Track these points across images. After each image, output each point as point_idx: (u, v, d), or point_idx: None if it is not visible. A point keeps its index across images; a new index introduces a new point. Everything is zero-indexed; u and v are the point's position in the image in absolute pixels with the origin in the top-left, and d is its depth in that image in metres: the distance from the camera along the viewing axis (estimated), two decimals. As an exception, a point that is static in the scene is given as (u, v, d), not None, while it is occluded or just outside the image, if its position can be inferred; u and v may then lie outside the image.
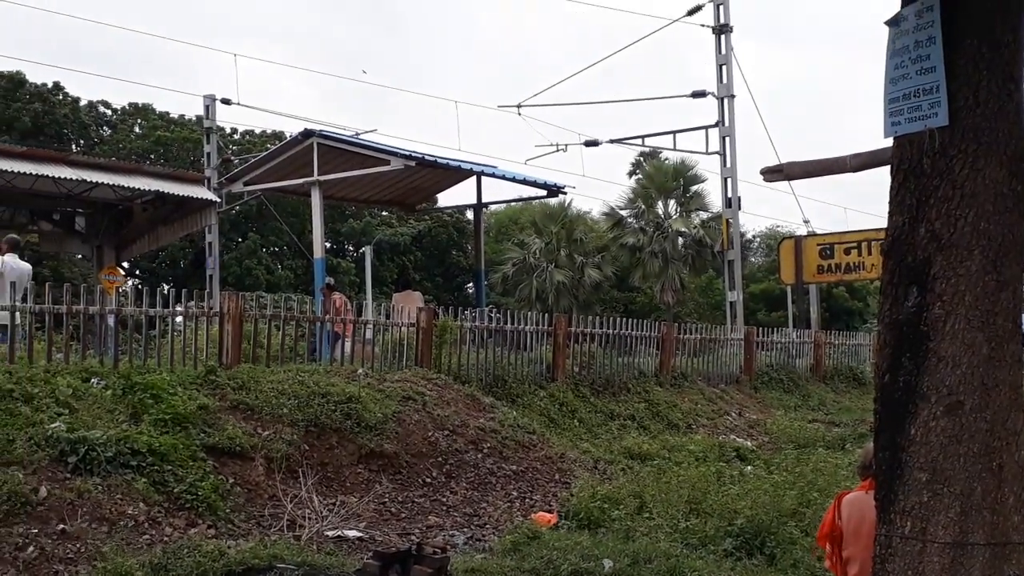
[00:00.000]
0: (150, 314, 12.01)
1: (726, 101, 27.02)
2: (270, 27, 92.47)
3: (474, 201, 20.92)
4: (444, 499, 11.04)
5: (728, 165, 27.10)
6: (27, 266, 13.57)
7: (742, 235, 32.39)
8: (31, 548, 7.61)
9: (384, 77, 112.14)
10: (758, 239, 61.24)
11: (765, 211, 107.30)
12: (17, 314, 10.99)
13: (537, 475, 12.18)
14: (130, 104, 51.62)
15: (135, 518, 8.43)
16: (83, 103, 49.64)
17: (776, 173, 5.74)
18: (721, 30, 26.98)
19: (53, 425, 8.98)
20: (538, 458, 12.57)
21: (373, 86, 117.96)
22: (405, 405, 12.31)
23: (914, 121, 4.14)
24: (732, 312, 26.77)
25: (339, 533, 9.26)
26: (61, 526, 7.93)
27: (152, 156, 48.27)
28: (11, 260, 13.29)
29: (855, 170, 5.23)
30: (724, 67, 27.08)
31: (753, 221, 74.73)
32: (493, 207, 43.63)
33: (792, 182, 23.24)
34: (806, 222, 32.32)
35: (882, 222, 4.42)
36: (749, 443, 15.85)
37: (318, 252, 17.70)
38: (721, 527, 9.55)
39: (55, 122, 47.07)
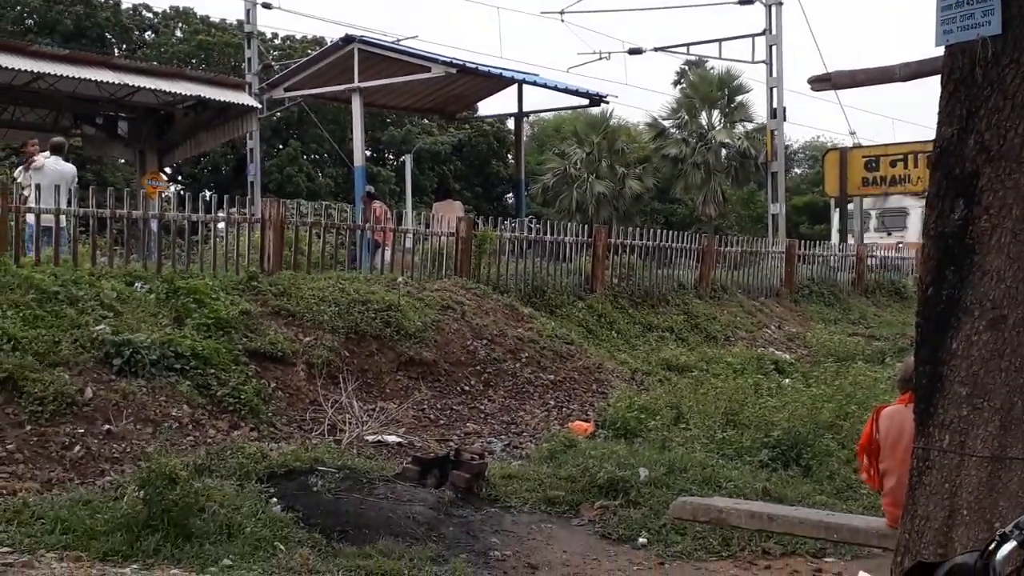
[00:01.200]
0: (192, 219, 12.10)
1: (774, 8, 26.46)
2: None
3: (515, 110, 20.71)
4: (482, 407, 11.16)
5: (774, 75, 26.62)
6: (71, 168, 13.75)
7: (786, 147, 31.95)
8: (77, 447, 7.79)
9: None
10: (802, 151, 60.40)
11: (810, 122, 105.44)
12: (62, 217, 11.10)
13: (574, 385, 12.26)
14: (171, 8, 51.35)
15: (179, 420, 8.60)
16: (125, 6, 49.44)
17: (824, 82, 5.63)
18: (770, -66, 26.31)
19: (98, 327, 9.12)
20: (576, 368, 12.63)
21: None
22: (444, 314, 12.37)
23: (966, 29, 4.02)
24: (774, 225, 26.54)
25: (378, 438, 9.41)
26: (107, 426, 8.11)
27: (193, 61, 48.12)
28: (53, 162, 13.43)
29: (904, 80, 5.12)
30: (772, -28, 26.46)
31: (798, 132, 73.61)
32: (534, 116, 43.27)
33: (839, 92, 22.83)
34: (852, 133, 31.68)
35: (929, 134, 4.33)
36: (788, 356, 15.82)
37: (358, 160, 17.67)
38: (757, 439, 9.59)
39: (97, 25, 46.95)
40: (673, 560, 7.20)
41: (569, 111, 33.61)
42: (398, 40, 24.84)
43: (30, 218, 11.33)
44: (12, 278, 9.42)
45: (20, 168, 13.73)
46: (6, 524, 6.42)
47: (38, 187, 11.50)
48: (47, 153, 13.78)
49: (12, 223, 10.44)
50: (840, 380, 12.57)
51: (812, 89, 5.76)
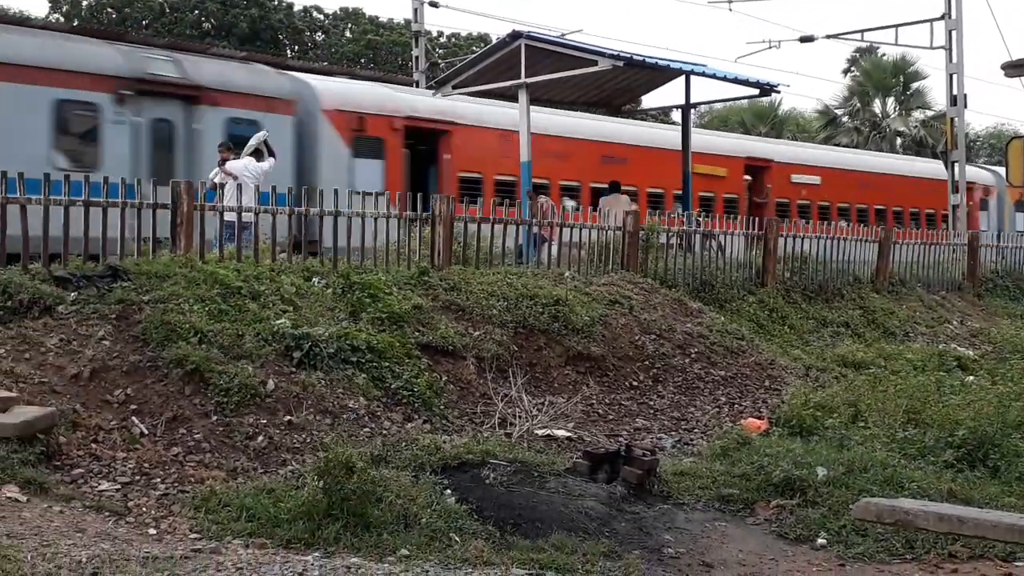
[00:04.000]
0: (366, 215, 12.37)
1: (954, -9, 25.35)
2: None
3: (681, 101, 20.39)
4: (651, 402, 11.05)
5: (954, 60, 25.50)
6: (260, 165, 14.71)
7: (966, 135, 30.59)
8: (260, 437, 8.06)
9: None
10: (982, 139, 57.82)
11: (991, 110, 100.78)
12: (250, 214, 11.58)
13: (746, 381, 12.01)
14: (341, 9, 52.75)
15: (355, 411, 8.80)
16: (297, 8, 51.04)
17: (1019, 68, 5.33)
18: (950, -86, 25.23)
19: (279, 321, 9.41)
20: (747, 364, 12.38)
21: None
22: (611, 308, 12.31)
23: None
24: (955, 216, 25.45)
25: (548, 432, 9.41)
26: (288, 417, 8.36)
27: (363, 60, 49.36)
28: (243, 163, 14.52)
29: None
30: (952, -46, 25.37)
31: (978, 119, 70.41)
32: (702, 107, 42.68)
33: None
34: (1036, 119, 30.24)
35: None
36: (971, 352, 15.17)
37: (525, 156, 17.71)
38: (941, 438, 9.21)
39: (270, 27, 48.61)
40: (854, 562, 6.99)
41: (737, 101, 32.95)
42: (563, 35, 24.83)
43: (227, 215, 11.88)
44: (198, 274, 9.81)
45: (216, 170, 14.50)
46: (195, 511, 6.70)
47: (238, 187, 12.06)
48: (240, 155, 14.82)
49: (198, 221, 10.86)
50: (1029, 378, 11.98)
51: (1006, 75, 5.47)
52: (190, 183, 11.04)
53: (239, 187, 11.99)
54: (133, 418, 7.91)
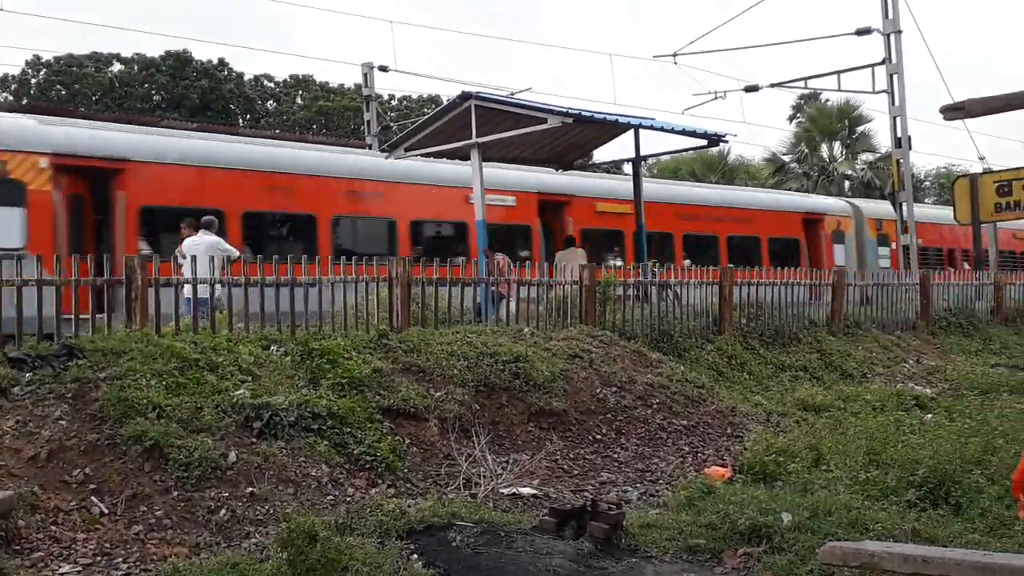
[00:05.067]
0: (324, 281, 12.36)
1: (892, 37, 25.98)
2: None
3: (632, 155, 20.66)
4: (615, 455, 11.06)
5: (897, 104, 26.08)
6: (213, 239, 14.75)
7: (913, 175, 31.16)
8: (223, 511, 7.98)
9: (534, 34, 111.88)
10: (930, 179, 58.85)
11: (936, 149, 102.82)
12: (205, 286, 11.60)
13: (708, 429, 12.07)
14: (292, 76, 53.08)
15: (318, 479, 8.74)
16: (247, 77, 51.25)
17: (957, 111, 5.48)
18: (884, -38, 25.93)
19: (238, 392, 9.36)
20: (708, 412, 12.44)
21: (523, 44, 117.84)
22: (572, 363, 12.35)
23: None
24: (906, 256, 25.84)
25: (514, 490, 9.39)
26: (250, 489, 8.28)
27: (315, 126, 49.57)
28: (197, 237, 14.74)
29: (1041, 102, 4.95)
30: (889, 1, 26.02)
31: (924, 160, 71.76)
32: (652, 159, 43.20)
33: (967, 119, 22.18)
34: (981, 159, 30.88)
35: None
36: (928, 391, 15.34)
37: (479, 214, 17.82)
38: (903, 477, 9.29)
39: (221, 97, 48.77)
40: (823, 607, 6.98)
41: (686, 152, 33.43)
42: (513, 93, 25.12)
43: (185, 289, 11.77)
44: (155, 348, 9.75)
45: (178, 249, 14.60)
46: (159, 588, 6.60)
47: (193, 259, 12.09)
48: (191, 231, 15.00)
49: (152, 295, 10.80)
50: (985, 413, 12.14)
51: (944, 119, 5.61)
52: (145, 258, 11.00)
53: (204, 259, 12.07)
54: (93, 498, 7.81)
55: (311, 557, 6.46)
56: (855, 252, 30.92)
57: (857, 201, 33.99)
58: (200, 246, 14.10)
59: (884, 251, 31.57)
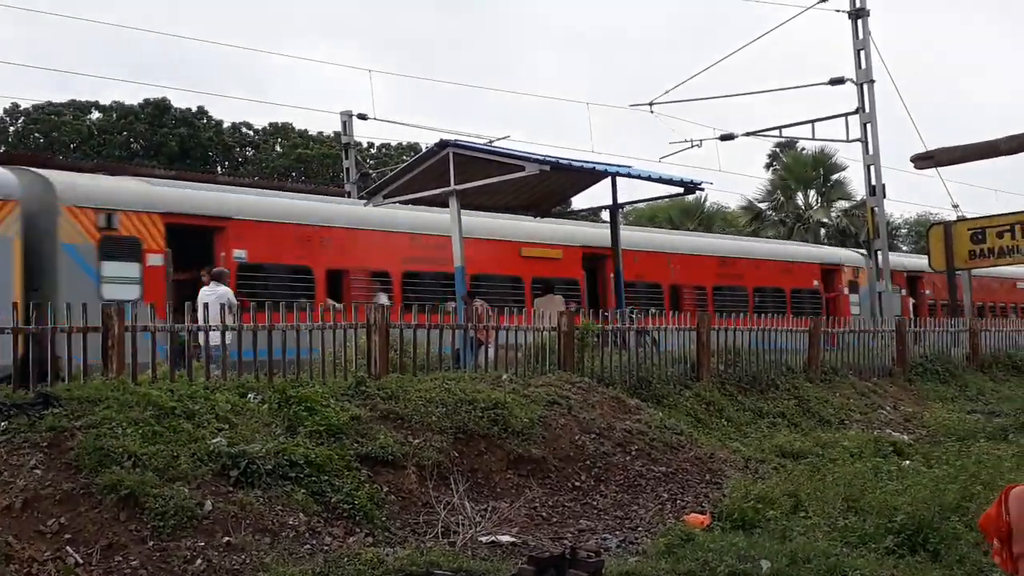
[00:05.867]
0: (301, 328, 12.36)
1: (865, 87, 26.39)
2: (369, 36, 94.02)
3: (609, 202, 20.82)
4: (594, 502, 11.03)
5: (871, 152, 26.43)
6: (224, 290, 15.48)
7: (888, 223, 31.48)
8: (199, 561, 7.90)
9: (510, 83, 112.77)
10: (905, 227, 59.40)
11: (912, 197, 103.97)
12: (215, 335, 12.06)
13: (687, 476, 12.06)
14: (270, 124, 53.22)
15: (295, 528, 8.68)
16: (226, 125, 51.35)
17: (927, 160, 5.57)
18: (858, 14, 26.37)
19: (214, 440, 9.30)
20: (687, 459, 12.44)
21: (501, 92, 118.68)
22: (551, 409, 12.34)
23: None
24: (881, 303, 26.03)
25: (492, 539, 9.34)
26: (226, 538, 8.21)
27: (294, 174, 49.65)
28: (210, 288, 15.50)
29: (1009, 153, 5.04)
30: (862, 52, 26.45)
31: (899, 208, 72.47)
32: (628, 207, 43.46)
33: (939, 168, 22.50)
34: (955, 207, 31.15)
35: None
36: (906, 437, 15.40)
37: (457, 260, 17.87)
38: (881, 524, 9.31)
39: (200, 145, 48.85)
40: (802, 656, 6.96)
41: (664, 200, 33.68)
42: (491, 141, 25.29)
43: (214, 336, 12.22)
44: (131, 396, 9.69)
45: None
46: (133, 640, 6.51)
47: (205, 307, 12.28)
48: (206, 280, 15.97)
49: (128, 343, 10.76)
50: (963, 460, 12.20)
51: (915, 167, 5.71)
52: (121, 306, 10.96)
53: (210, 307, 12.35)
54: (68, 547, 7.72)
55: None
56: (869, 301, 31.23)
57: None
58: (211, 296, 14.68)
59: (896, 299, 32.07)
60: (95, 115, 49.91)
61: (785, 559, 8.34)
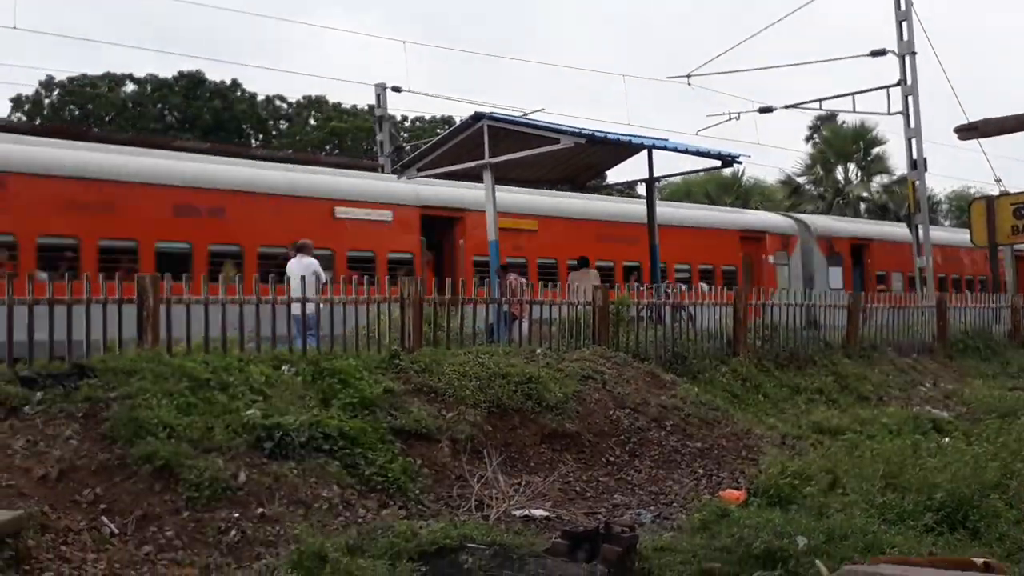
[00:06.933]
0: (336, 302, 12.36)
1: (907, 59, 25.96)
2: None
3: (645, 175, 20.64)
4: (628, 478, 10.97)
5: (912, 125, 26.01)
6: (310, 261, 15.55)
7: (929, 198, 31.04)
8: (233, 532, 7.91)
9: (543, 55, 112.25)
10: (946, 201, 58.68)
11: (953, 171, 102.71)
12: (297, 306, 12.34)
13: (723, 452, 11.96)
14: (304, 97, 53.29)
15: (329, 500, 8.67)
16: (260, 98, 51.44)
17: (971, 131, 5.42)
18: (900, -16, 25.94)
19: (249, 412, 9.31)
20: (723, 435, 12.34)
21: (533, 64, 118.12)
22: (585, 384, 12.27)
23: None
24: (923, 278, 25.72)
25: (526, 513, 9.30)
26: (260, 510, 8.22)
27: (327, 147, 49.72)
28: (295, 260, 15.72)
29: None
30: (904, 23, 26.03)
31: (940, 183, 71.54)
32: (665, 180, 43.22)
33: (983, 140, 22.13)
34: (998, 181, 30.60)
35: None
36: (945, 414, 15.20)
37: (492, 235, 17.80)
38: (920, 501, 9.15)
39: (234, 118, 48.99)
40: (839, 632, 6.86)
41: (700, 174, 33.36)
42: (526, 114, 25.13)
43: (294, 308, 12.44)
44: (166, 368, 9.71)
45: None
46: (167, 610, 6.53)
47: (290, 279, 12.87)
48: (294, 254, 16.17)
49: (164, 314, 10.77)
50: (1004, 437, 11.98)
51: (959, 139, 5.55)
52: (156, 276, 10.97)
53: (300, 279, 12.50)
54: (103, 518, 7.75)
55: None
56: (801, 271, 29.92)
57: (804, 217, 33.12)
58: (297, 267, 14.96)
59: (836, 271, 30.77)
60: (130, 87, 50.13)
61: (822, 535, 8.22)
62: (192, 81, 48.34)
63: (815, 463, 10.85)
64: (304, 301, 12.26)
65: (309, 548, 6.56)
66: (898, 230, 32.56)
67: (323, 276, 14.79)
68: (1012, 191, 28.13)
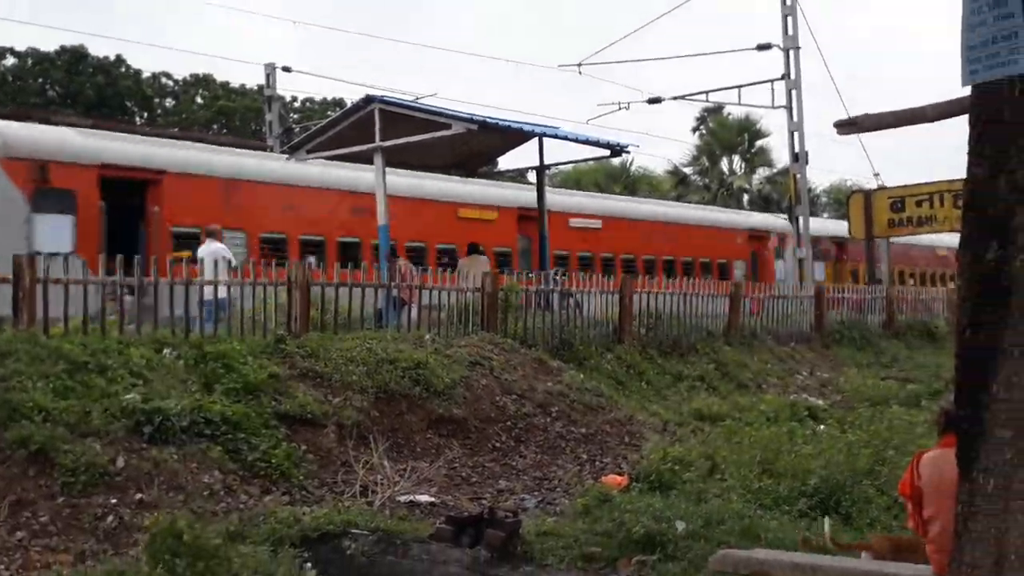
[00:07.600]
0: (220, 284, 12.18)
1: (792, 53, 26.62)
2: None
3: (536, 163, 20.77)
4: (514, 463, 11.07)
5: (795, 119, 26.71)
6: (219, 247, 15.57)
7: (809, 190, 31.89)
8: (110, 518, 7.77)
9: (436, 39, 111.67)
10: (826, 194, 60.32)
11: (833, 166, 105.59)
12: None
13: (606, 438, 12.14)
14: (191, 75, 52.08)
15: (210, 486, 8.57)
16: (146, 75, 50.13)
17: (850, 126, 5.60)
18: (785, -20, 26.54)
19: (128, 396, 9.13)
20: (607, 421, 12.53)
21: (429, 49, 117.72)
22: (472, 370, 12.32)
23: (992, 68, 4.00)
24: (801, 269, 26.43)
25: (411, 498, 9.33)
26: (139, 495, 8.08)
27: (215, 126, 48.74)
28: (206, 245, 15.74)
29: (933, 120, 5.08)
30: (789, 18, 26.65)
31: (820, 176, 73.54)
32: (554, 169, 43.52)
33: (861, 135, 22.79)
34: (876, 175, 31.60)
35: (956, 173, 4.33)
36: (821, 402, 15.66)
37: (382, 219, 17.71)
38: (795, 487, 9.45)
39: (118, 94, 47.65)
40: (715, 615, 7.05)
41: (590, 162, 33.70)
42: (418, 99, 25.02)
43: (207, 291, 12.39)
44: (42, 349, 9.45)
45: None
46: (40, 598, 6.38)
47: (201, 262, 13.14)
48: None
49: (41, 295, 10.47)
50: (876, 425, 12.42)
51: (838, 133, 5.72)
52: (32, 256, 10.66)
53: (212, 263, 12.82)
54: (-27, 503, 7.53)
55: (197, 568, 6.30)
56: (794, 267, 31.20)
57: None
58: (206, 252, 14.95)
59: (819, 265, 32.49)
60: (10, 61, 48.39)
61: (700, 520, 8.42)
62: (75, 56, 46.87)
63: (695, 449, 11.10)
64: (203, 284, 12.25)
65: (191, 535, 6.46)
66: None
67: (233, 260, 14.78)
68: (890, 185, 29.10)
